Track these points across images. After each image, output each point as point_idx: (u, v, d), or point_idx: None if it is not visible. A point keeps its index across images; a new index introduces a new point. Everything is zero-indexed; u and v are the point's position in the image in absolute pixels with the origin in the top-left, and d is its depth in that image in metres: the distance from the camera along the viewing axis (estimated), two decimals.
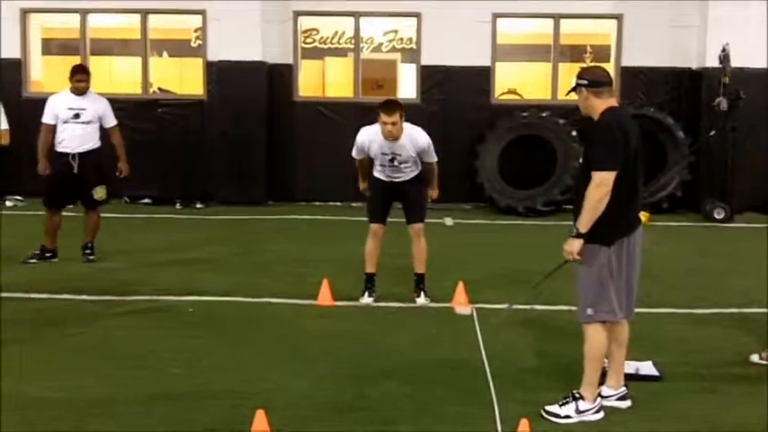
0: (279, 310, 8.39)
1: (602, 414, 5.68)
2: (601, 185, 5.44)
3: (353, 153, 8.61)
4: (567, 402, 5.68)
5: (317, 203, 15.52)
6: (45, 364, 6.58)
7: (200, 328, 7.66)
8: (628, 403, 5.87)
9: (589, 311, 5.66)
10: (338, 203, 15.45)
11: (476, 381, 6.34)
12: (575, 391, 5.71)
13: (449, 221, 13.75)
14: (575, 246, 5.54)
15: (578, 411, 5.63)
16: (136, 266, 10.12)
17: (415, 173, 8.54)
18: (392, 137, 8.17)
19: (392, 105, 8.19)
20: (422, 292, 8.68)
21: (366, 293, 8.67)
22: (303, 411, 5.71)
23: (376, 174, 8.63)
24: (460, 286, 8.56)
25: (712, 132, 14.40)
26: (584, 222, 5.50)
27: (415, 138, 8.31)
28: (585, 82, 5.70)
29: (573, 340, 6.38)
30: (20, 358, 6.66)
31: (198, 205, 15.21)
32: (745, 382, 6.45)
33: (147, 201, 15.41)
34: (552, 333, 7.59)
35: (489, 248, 11.84)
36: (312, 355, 6.94)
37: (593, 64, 17.81)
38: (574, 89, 5.78)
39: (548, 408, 5.67)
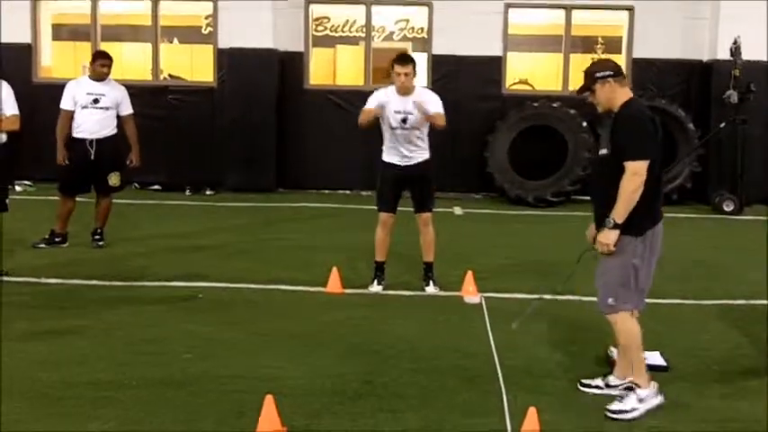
0: (288, 297, 8.40)
1: (661, 397, 5.68)
2: (636, 175, 5.42)
3: (367, 103, 8.53)
4: (625, 396, 5.67)
5: (327, 191, 15.55)
6: (54, 349, 6.61)
7: (208, 314, 7.68)
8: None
9: (610, 301, 5.66)
10: (348, 191, 15.48)
11: (484, 369, 6.34)
12: (628, 384, 5.72)
13: (458, 211, 13.76)
14: (611, 237, 5.51)
15: (640, 400, 5.63)
16: (145, 252, 10.15)
17: (426, 153, 8.56)
18: (405, 89, 8.29)
19: (406, 57, 8.43)
20: (431, 281, 8.68)
21: (375, 281, 8.68)
22: (311, 398, 5.72)
23: (387, 156, 8.61)
24: (469, 275, 8.56)
25: (722, 125, 14.38)
26: (621, 213, 5.47)
27: (426, 94, 8.48)
28: (611, 72, 5.69)
29: (581, 330, 6.41)
30: (28, 342, 6.70)
31: (207, 192, 15.25)
32: (753, 375, 6.43)
33: (156, 187, 15.45)
34: (561, 323, 7.58)
35: (498, 238, 11.84)
36: (320, 342, 6.95)
37: (603, 56, 17.92)
38: (594, 83, 5.72)
39: (611, 407, 5.64)
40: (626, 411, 5.61)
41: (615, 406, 5.65)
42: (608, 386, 5.89)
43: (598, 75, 5.72)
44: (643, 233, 5.58)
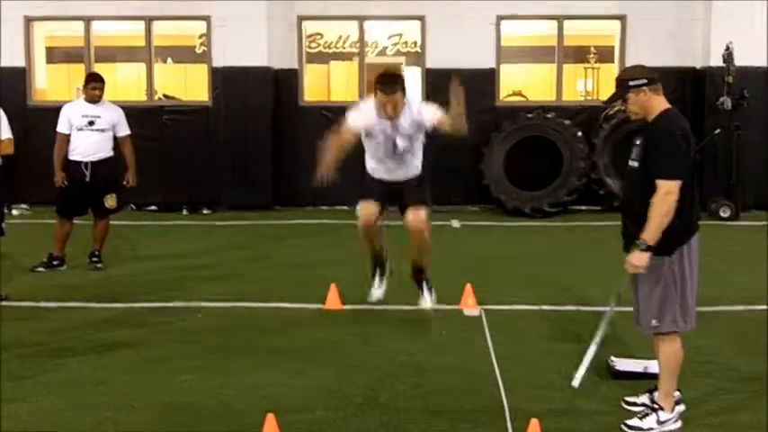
0: (288, 314, 8.39)
1: (680, 423, 5.65)
2: (669, 194, 5.27)
3: (347, 123, 7.21)
4: (647, 415, 5.63)
5: (324, 208, 15.53)
6: (54, 371, 6.60)
7: (208, 334, 7.67)
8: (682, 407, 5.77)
9: (654, 323, 5.55)
10: (345, 207, 15.48)
11: (486, 381, 6.34)
12: (653, 404, 5.69)
13: (456, 223, 13.76)
14: (643, 260, 5.37)
15: (659, 422, 5.59)
16: (143, 273, 10.14)
17: (418, 168, 7.58)
18: (391, 117, 7.12)
19: (391, 82, 7.10)
20: (425, 288, 7.89)
21: (376, 281, 7.97)
22: (312, 414, 5.71)
23: (371, 171, 7.65)
24: (468, 288, 8.55)
25: (717, 131, 14.40)
26: (653, 234, 5.31)
27: (414, 110, 7.26)
28: (645, 81, 5.51)
29: (584, 341, 6.38)
30: (30, 365, 6.70)
31: (205, 211, 15.23)
32: (754, 382, 6.43)
33: (153, 208, 15.44)
34: (561, 333, 7.60)
35: (497, 250, 11.83)
36: (321, 358, 6.94)
37: (596, 66, 17.97)
38: (627, 92, 5.55)
39: (629, 422, 5.61)
40: (642, 429, 5.60)
41: (634, 422, 5.62)
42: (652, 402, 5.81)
43: (632, 83, 5.54)
44: (674, 251, 5.43)
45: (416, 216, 7.38)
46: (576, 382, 5.86)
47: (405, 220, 7.46)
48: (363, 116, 7.23)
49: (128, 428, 5.54)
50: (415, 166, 7.63)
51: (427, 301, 7.92)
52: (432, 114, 7.27)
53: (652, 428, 5.57)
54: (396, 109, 7.07)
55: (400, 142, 7.28)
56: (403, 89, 7.13)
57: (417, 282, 7.93)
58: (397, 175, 7.58)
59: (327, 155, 7.04)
